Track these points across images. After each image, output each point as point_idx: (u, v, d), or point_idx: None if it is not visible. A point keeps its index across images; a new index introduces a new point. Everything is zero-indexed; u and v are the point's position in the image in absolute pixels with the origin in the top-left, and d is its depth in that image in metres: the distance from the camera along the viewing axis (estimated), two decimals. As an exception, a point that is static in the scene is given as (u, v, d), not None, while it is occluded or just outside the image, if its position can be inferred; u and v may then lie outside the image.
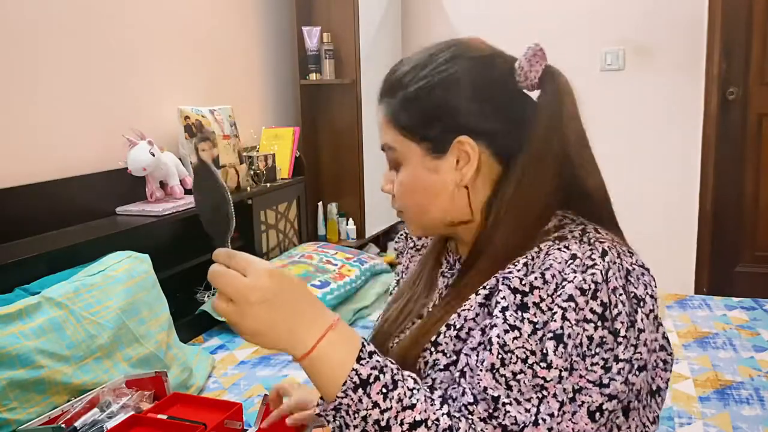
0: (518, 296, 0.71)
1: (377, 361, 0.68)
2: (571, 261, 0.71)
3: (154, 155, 2.14)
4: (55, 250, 1.77)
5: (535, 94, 0.83)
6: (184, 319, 2.20)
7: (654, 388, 0.75)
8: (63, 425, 1.33)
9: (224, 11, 2.87)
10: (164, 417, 1.38)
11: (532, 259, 0.74)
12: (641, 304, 0.71)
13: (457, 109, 0.80)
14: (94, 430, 1.35)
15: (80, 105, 2.13)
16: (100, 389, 1.46)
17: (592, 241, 0.74)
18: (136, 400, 1.46)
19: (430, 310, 0.86)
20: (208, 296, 2.40)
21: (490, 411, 0.68)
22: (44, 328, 1.49)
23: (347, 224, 3.33)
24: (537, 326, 0.69)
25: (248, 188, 2.66)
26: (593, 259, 0.71)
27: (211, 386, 1.85)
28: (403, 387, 0.68)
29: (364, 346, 0.69)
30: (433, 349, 0.78)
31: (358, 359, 0.67)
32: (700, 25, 3.12)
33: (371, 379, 0.67)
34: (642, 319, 0.70)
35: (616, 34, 3.25)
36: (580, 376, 0.67)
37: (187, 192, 2.35)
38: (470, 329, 0.76)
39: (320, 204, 3.38)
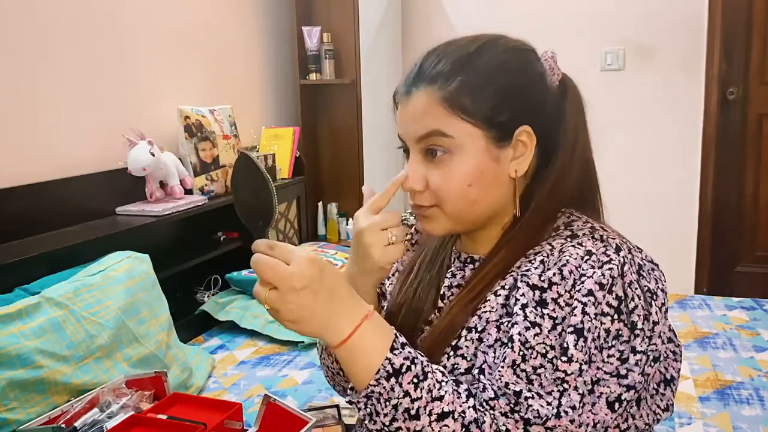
0: (537, 292, 0.72)
1: (409, 352, 0.71)
2: (587, 257, 0.73)
3: (154, 155, 2.14)
4: (55, 250, 1.77)
5: None
6: (184, 319, 2.20)
7: (668, 377, 0.77)
8: (63, 425, 1.33)
9: (224, 11, 2.87)
10: (164, 417, 1.38)
11: (548, 256, 0.76)
12: (654, 297, 0.73)
13: (520, 98, 0.79)
14: (94, 430, 1.35)
15: (80, 105, 2.13)
16: (100, 389, 1.46)
17: (604, 237, 0.76)
18: (136, 400, 1.46)
19: (439, 313, 0.85)
20: (208, 296, 2.40)
21: (512, 405, 0.69)
22: (44, 328, 1.49)
23: (347, 224, 3.33)
24: (556, 321, 0.71)
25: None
26: (608, 255, 0.73)
27: (211, 386, 1.85)
28: (432, 378, 0.70)
29: (397, 337, 0.71)
30: (452, 353, 0.78)
31: (392, 349, 0.70)
32: (700, 25, 3.12)
33: (403, 369, 0.69)
34: (656, 312, 0.72)
35: (616, 34, 3.25)
36: (598, 368, 0.69)
37: (187, 192, 2.35)
38: (490, 329, 0.76)
39: (320, 204, 3.38)
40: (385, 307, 0.94)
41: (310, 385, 1.82)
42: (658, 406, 0.77)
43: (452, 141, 0.77)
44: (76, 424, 1.35)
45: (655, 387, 0.77)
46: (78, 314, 1.56)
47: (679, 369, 0.80)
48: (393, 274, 0.97)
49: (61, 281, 1.65)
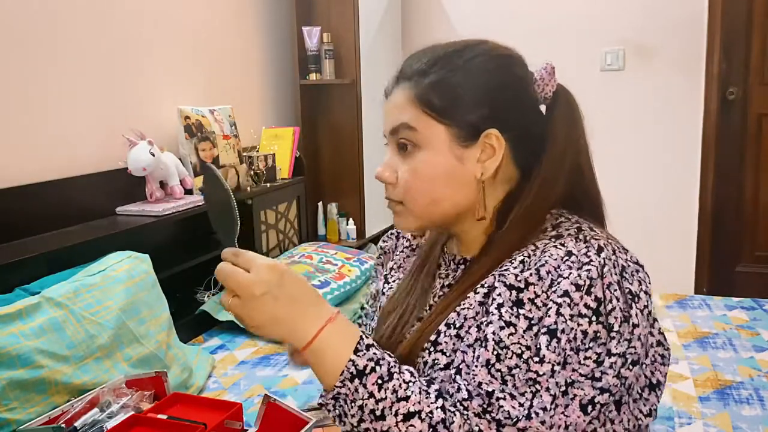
0: (513, 292, 0.73)
1: (374, 353, 0.71)
2: (566, 258, 0.73)
3: (154, 155, 2.14)
4: (55, 250, 1.77)
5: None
6: (184, 319, 2.20)
7: (654, 381, 0.77)
8: (63, 425, 1.33)
9: (224, 11, 2.87)
10: (164, 417, 1.38)
11: (529, 256, 0.76)
12: (636, 299, 0.72)
13: (493, 101, 0.80)
14: (94, 430, 1.35)
15: (80, 105, 2.13)
16: (100, 389, 1.46)
17: (587, 238, 0.75)
18: (136, 400, 1.46)
19: (429, 311, 0.86)
20: (208, 296, 2.41)
21: (484, 406, 0.69)
22: (44, 328, 1.49)
23: (347, 224, 3.33)
24: (532, 322, 0.71)
25: (248, 188, 2.66)
26: (588, 256, 0.72)
27: (211, 386, 1.85)
28: (398, 379, 0.70)
29: (362, 338, 0.72)
30: (432, 348, 0.78)
31: (356, 351, 0.71)
32: (700, 25, 3.12)
33: (367, 370, 0.70)
34: (636, 315, 0.71)
35: (616, 34, 3.25)
36: (573, 370, 0.69)
37: (187, 192, 2.35)
38: (469, 327, 0.76)
39: (320, 204, 3.38)
40: (381, 309, 0.95)
41: (310, 385, 1.82)
42: (641, 411, 0.75)
43: (417, 135, 0.80)
44: (76, 424, 1.35)
45: (639, 392, 0.76)
46: (78, 314, 1.56)
47: (666, 373, 0.79)
48: (394, 280, 0.98)
49: (61, 281, 1.65)
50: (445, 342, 0.78)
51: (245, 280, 0.69)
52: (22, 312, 1.48)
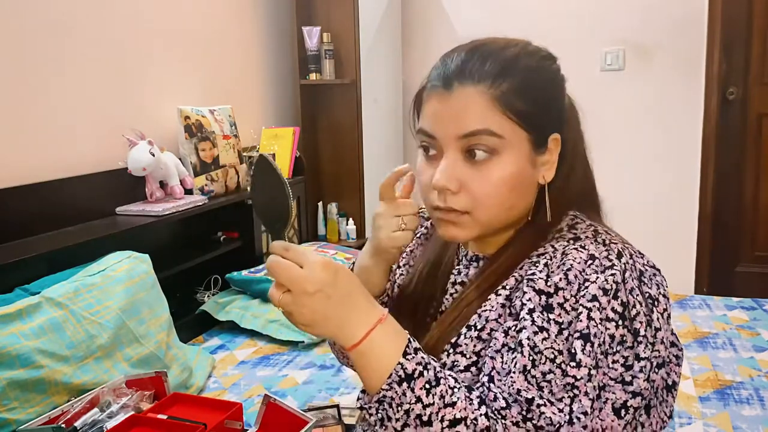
0: (543, 297, 0.72)
1: (422, 357, 0.70)
2: (590, 261, 0.73)
3: (154, 155, 2.14)
4: (55, 250, 1.77)
5: None
6: (184, 319, 2.20)
7: (670, 383, 0.77)
8: (63, 425, 1.34)
9: (224, 11, 2.87)
10: (164, 417, 1.38)
11: (551, 259, 0.76)
12: (655, 303, 0.73)
13: (555, 106, 0.80)
14: (94, 430, 1.35)
15: (80, 105, 2.13)
16: (100, 389, 1.46)
17: (606, 242, 0.76)
18: (136, 400, 1.46)
19: (447, 308, 0.85)
20: (208, 296, 2.41)
21: (524, 413, 0.69)
22: (44, 328, 1.49)
23: (347, 224, 3.33)
24: (562, 326, 0.71)
25: (248, 188, 2.66)
26: (611, 260, 0.73)
27: (211, 386, 1.85)
28: (445, 384, 0.70)
29: (410, 342, 0.71)
30: (452, 350, 0.78)
31: (404, 354, 0.69)
32: (700, 24, 3.11)
33: (416, 374, 0.69)
34: (658, 318, 0.72)
35: (616, 34, 3.25)
36: (604, 374, 0.69)
37: (187, 192, 2.35)
38: (492, 330, 0.76)
39: (320, 204, 3.38)
40: (392, 302, 0.94)
41: (310, 385, 1.82)
42: (665, 413, 0.77)
43: (500, 141, 0.75)
44: (76, 424, 1.35)
45: (663, 394, 0.77)
46: (78, 314, 1.56)
47: (680, 373, 0.79)
48: (403, 265, 0.97)
49: (61, 281, 1.65)
50: (465, 344, 0.77)
51: (299, 277, 0.67)
52: (22, 312, 1.48)
